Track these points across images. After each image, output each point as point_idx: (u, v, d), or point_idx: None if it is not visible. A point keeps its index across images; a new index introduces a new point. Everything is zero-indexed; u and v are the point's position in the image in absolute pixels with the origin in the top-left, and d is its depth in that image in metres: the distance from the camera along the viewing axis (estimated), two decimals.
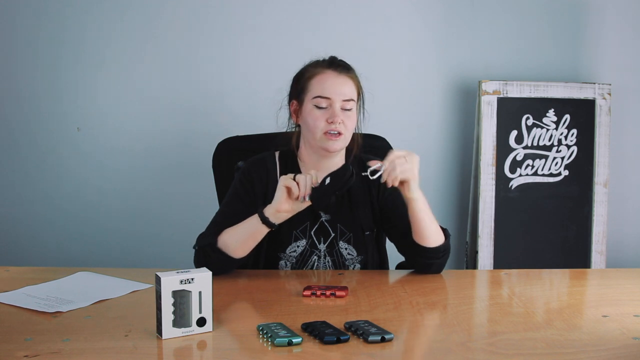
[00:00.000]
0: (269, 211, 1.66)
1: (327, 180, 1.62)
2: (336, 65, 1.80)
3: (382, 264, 1.95)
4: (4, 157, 2.75)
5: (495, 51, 2.74)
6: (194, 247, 1.74)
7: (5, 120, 2.74)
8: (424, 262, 1.75)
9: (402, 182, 1.65)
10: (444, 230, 1.78)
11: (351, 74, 1.81)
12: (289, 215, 1.68)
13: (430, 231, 1.72)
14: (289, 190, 1.63)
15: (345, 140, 1.78)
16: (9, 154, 2.75)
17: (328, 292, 1.53)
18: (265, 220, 1.66)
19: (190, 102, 2.71)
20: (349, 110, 1.77)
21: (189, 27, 2.69)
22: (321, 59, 1.83)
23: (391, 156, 1.64)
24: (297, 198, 1.63)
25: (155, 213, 2.75)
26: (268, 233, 1.80)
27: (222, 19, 2.68)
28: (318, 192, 1.62)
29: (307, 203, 1.65)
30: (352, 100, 1.78)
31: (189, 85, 2.71)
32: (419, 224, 1.71)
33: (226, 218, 1.77)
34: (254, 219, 1.68)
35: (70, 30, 2.68)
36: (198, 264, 1.72)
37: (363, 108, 1.87)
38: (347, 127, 1.76)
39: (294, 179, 1.63)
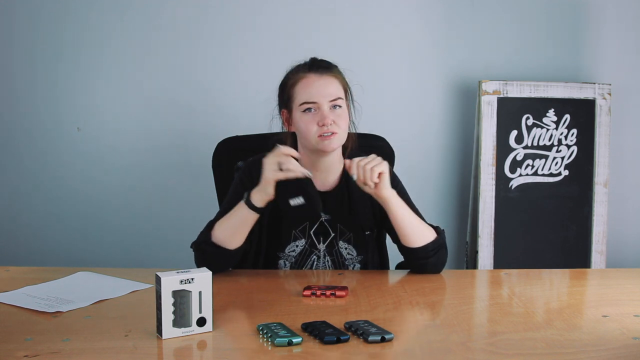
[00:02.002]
0: (256, 198, 1.68)
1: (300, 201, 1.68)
2: (317, 66, 1.78)
3: (382, 264, 1.94)
4: (4, 157, 2.75)
5: (495, 51, 2.74)
6: (190, 247, 1.75)
7: (5, 121, 2.74)
8: (415, 262, 1.76)
9: (378, 177, 1.66)
10: (436, 227, 1.78)
11: (334, 72, 1.79)
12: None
13: (414, 230, 1.72)
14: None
15: (340, 139, 1.77)
16: (9, 154, 2.75)
17: (328, 292, 1.53)
18: (252, 207, 1.68)
19: (190, 102, 2.71)
20: (339, 107, 1.76)
21: (189, 27, 2.69)
22: (302, 62, 1.81)
23: (354, 163, 1.67)
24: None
25: (155, 213, 2.75)
26: (267, 232, 1.80)
27: (223, 19, 2.68)
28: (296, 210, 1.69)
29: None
30: (340, 98, 1.76)
31: (189, 85, 2.71)
32: (400, 223, 1.72)
33: (225, 213, 1.78)
34: (242, 207, 1.69)
35: (70, 30, 2.68)
36: (197, 262, 1.73)
37: (353, 103, 1.86)
38: (340, 125, 1.75)
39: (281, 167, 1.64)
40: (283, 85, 1.83)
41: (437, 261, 1.75)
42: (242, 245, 1.73)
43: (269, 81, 1.87)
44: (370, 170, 1.64)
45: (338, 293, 1.53)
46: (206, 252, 1.71)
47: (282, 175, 1.64)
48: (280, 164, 1.64)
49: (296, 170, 1.64)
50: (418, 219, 1.75)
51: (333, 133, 1.74)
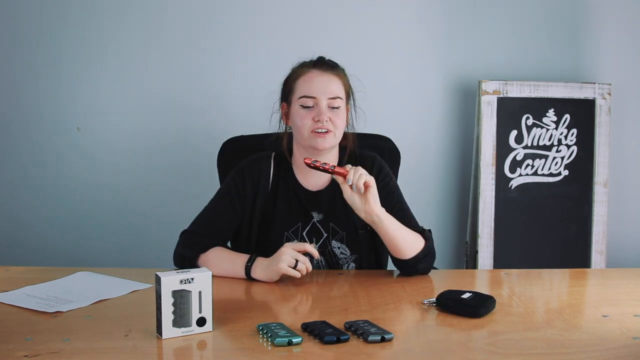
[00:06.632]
0: (257, 272, 1.66)
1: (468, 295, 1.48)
2: (321, 64, 1.79)
3: (378, 262, 1.93)
4: (3, 156, 2.75)
5: (495, 51, 2.74)
6: (174, 257, 1.77)
7: (5, 120, 2.73)
8: (405, 270, 1.75)
9: (365, 188, 1.64)
10: (422, 232, 1.77)
11: (337, 72, 1.80)
12: None
13: (405, 243, 1.71)
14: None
15: (334, 138, 1.77)
16: (8, 153, 2.75)
17: (328, 166, 1.62)
18: (248, 275, 1.67)
19: (192, 102, 2.71)
20: (336, 108, 1.76)
21: (191, 26, 2.68)
22: (308, 59, 1.82)
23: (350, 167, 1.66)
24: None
25: (155, 213, 2.75)
26: (258, 235, 1.81)
27: (226, 19, 2.68)
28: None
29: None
30: (339, 97, 1.76)
31: (190, 85, 2.71)
32: (392, 239, 1.70)
33: (212, 214, 1.80)
34: (239, 267, 1.68)
35: (71, 29, 2.68)
36: (176, 264, 1.75)
37: (354, 106, 1.87)
38: (335, 124, 1.75)
39: (295, 266, 1.62)
40: (287, 79, 1.84)
41: (425, 266, 1.75)
42: None
43: (273, 81, 1.87)
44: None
45: (337, 169, 1.62)
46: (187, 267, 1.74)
47: (292, 273, 1.62)
48: (297, 262, 1.63)
49: (305, 273, 1.63)
50: (407, 230, 1.73)
51: (328, 131, 1.74)
